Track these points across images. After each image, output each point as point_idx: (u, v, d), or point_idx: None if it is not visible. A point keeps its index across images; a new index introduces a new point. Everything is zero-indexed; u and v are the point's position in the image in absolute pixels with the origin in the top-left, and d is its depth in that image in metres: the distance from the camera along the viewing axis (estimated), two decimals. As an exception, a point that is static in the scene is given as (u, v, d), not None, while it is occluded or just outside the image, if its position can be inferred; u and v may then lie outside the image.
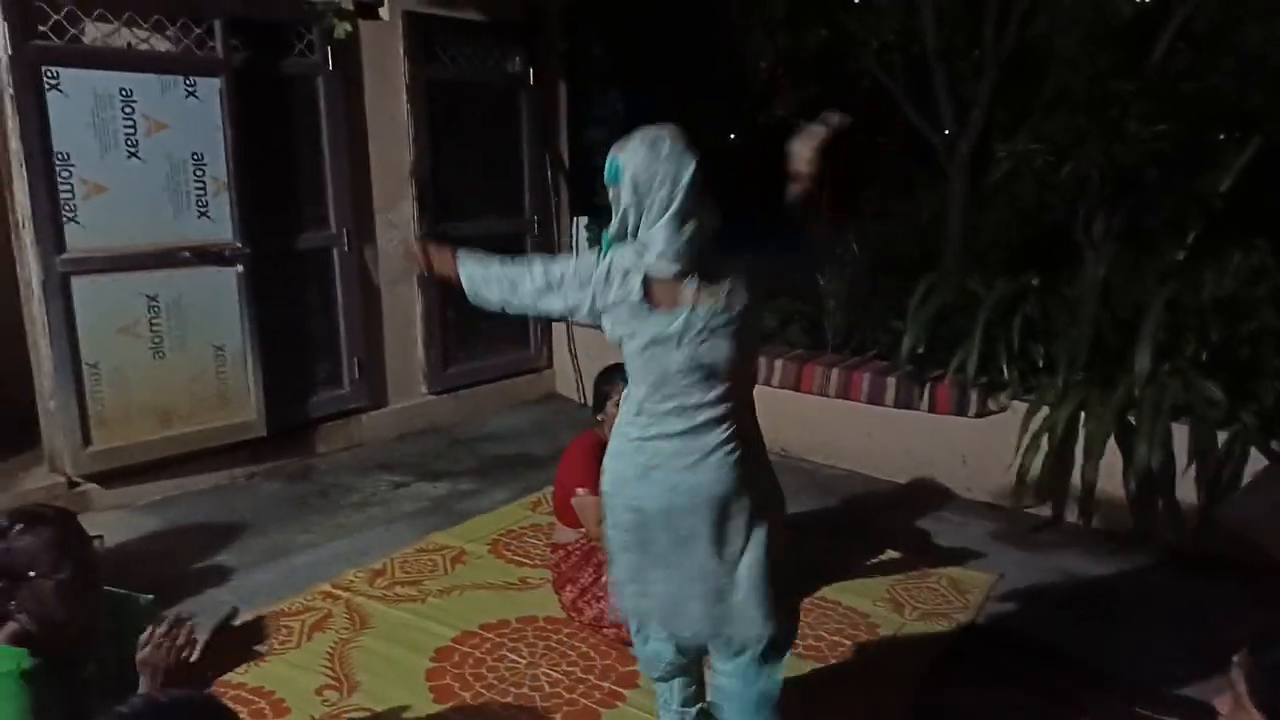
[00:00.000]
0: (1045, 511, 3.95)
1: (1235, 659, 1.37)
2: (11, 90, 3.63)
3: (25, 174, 3.69)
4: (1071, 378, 3.89)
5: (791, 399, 4.74)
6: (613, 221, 2.01)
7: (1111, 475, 3.72)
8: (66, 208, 3.80)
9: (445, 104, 5.20)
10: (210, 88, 4.11)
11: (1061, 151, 4.31)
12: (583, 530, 3.09)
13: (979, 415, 4.19)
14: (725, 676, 2.17)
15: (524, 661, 2.88)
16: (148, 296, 4.06)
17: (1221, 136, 4.58)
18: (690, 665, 2.29)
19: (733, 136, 6.62)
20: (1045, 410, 3.85)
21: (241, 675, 2.71)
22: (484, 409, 5.55)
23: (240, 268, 4.30)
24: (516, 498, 4.24)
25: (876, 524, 3.99)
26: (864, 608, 3.19)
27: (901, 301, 4.54)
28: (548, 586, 3.25)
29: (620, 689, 2.72)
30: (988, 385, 4.18)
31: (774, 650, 2.13)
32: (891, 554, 3.63)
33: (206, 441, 4.31)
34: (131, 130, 3.92)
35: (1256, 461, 3.51)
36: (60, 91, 3.73)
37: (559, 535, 3.21)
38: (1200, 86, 4.33)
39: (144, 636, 1.65)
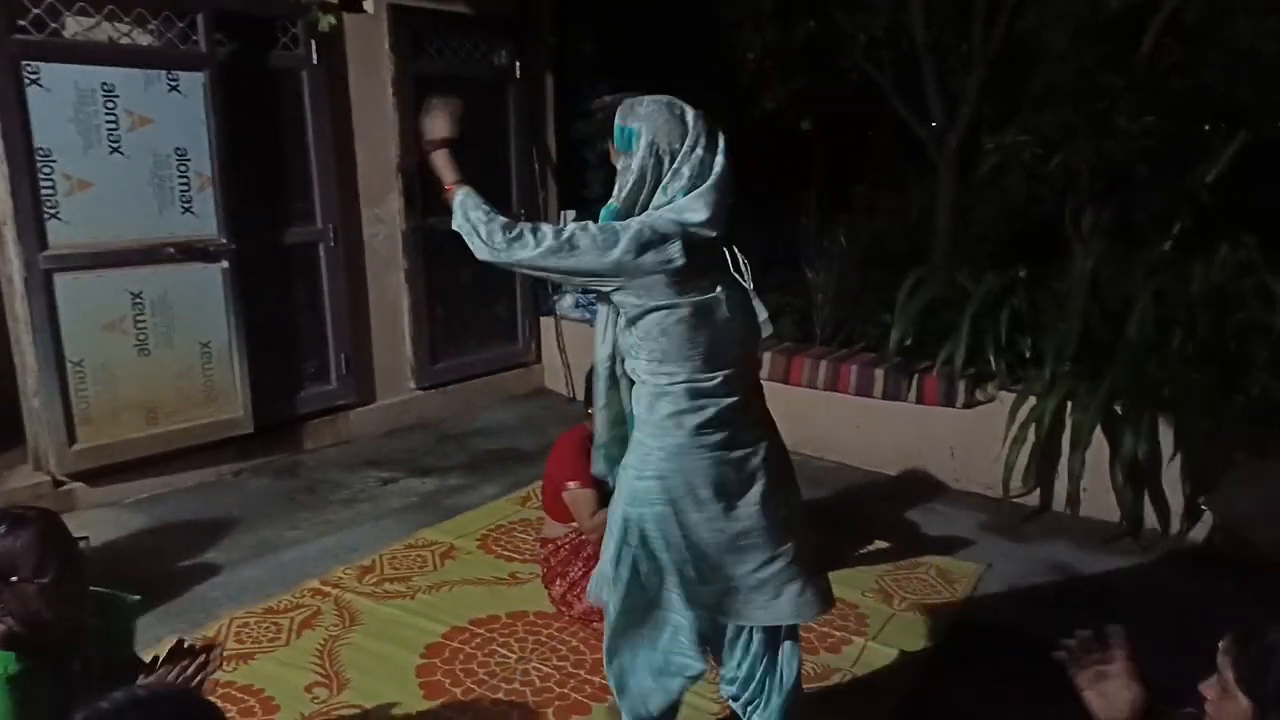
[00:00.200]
0: (1033, 502, 3.97)
1: (1222, 646, 1.37)
2: (-8, 85, 3.59)
3: (6, 170, 3.65)
4: (1059, 369, 3.91)
5: (780, 391, 4.73)
6: (620, 191, 1.91)
7: (1098, 466, 3.74)
8: (49, 204, 3.76)
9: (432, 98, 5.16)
10: (194, 82, 4.08)
11: (1050, 145, 4.33)
12: (572, 525, 3.08)
13: (967, 406, 4.20)
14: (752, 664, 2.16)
15: (514, 657, 2.87)
16: (132, 293, 4.03)
17: (1208, 128, 4.60)
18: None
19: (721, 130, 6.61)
20: (1033, 401, 3.87)
21: (230, 673, 2.71)
22: (472, 404, 5.54)
23: (225, 263, 4.27)
24: (505, 493, 4.23)
25: (865, 515, 4.00)
26: (853, 598, 3.20)
27: (890, 294, 4.56)
28: (537, 581, 3.24)
29: (611, 684, 2.71)
30: (975, 377, 4.20)
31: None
32: (880, 545, 3.64)
33: (193, 438, 4.29)
34: (114, 125, 3.88)
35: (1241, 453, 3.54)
36: (41, 86, 3.69)
37: (548, 530, 3.21)
38: (1188, 81, 4.35)
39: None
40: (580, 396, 3.29)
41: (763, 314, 2.01)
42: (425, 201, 5.16)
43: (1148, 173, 4.37)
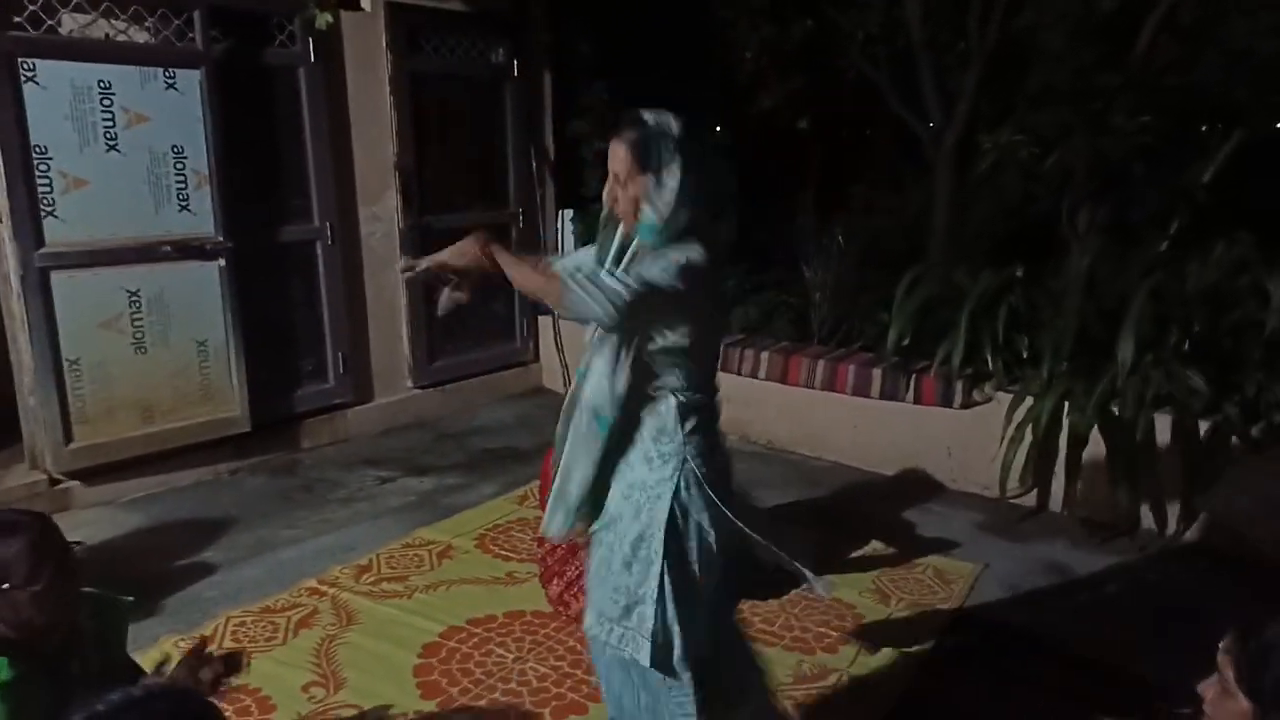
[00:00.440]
0: (1030, 502, 3.98)
1: (1222, 645, 1.36)
2: (-13, 82, 3.58)
3: (2, 167, 3.64)
4: (1056, 368, 3.91)
5: (778, 391, 4.75)
6: (670, 211, 1.85)
7: (1095, 466, 3.74)
8: (45, 202, 3.75)
9: (429, 96, 5.16)
10: (190, 80, 4.07)
11: (1047, 144, 4.33)
12: (570, 524, 3.08)
13: (964, 406, 4.20)
14: None
15: (512, 656, 2.87)
16: (129, 291, 4.02)
17: (1204, 128, 4.61)
18: None
19: (718, 129, 6.62)
20: (1029, 401, 3.87)
21: (227, 673, 2.70)
22: (470, 403, 5.53)
23: (222, 261, 4.26)
24: (503, 492, 4.23)
25: (862, 515, 4.00)
26: (850, 599, 3.20)
27: (888, 294, 4.56)
28: (535, 581, 3.24)
29: (608, 683, 2.71)
30: (973, 377, 4.20)
31: None
32: (877, 545, 3.64)
33: (190, 437, 4.28)
34: (111, 123, 3.87)
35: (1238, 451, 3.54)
36: (37, 84, 3.68)
37: (546, 529, 3.20)
38: (1184, 79, 4.35)
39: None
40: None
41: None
42: (422, 199, 5.16)
43: (1144, 171, 4.37)
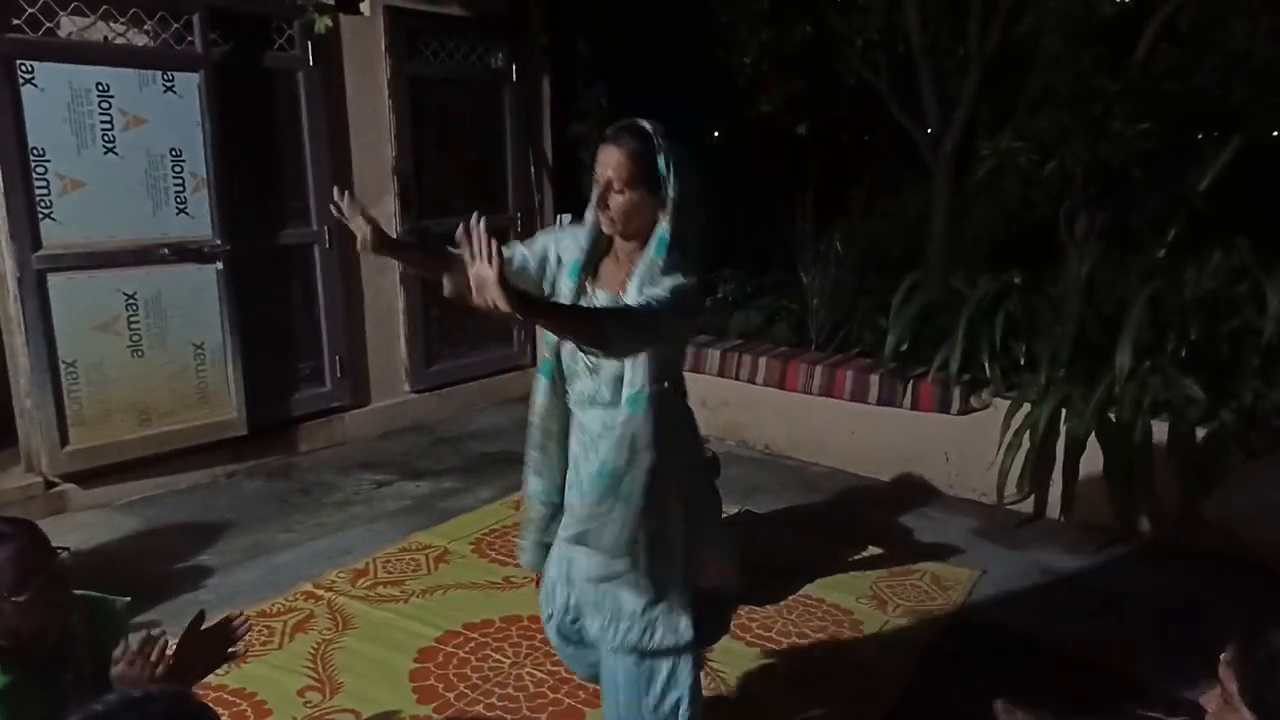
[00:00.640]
0: (1027, 508, 3.97)
1: (1223, 657, 1.33)
2: (-15, 84, 3.57)
3: (0, 169, 3.64)
4: (1054, 374, 3.91)
5: (776, 396, 4.75)
6: (680, 225, 1.89)
7: (1093, 471, 3.74)
8: (42, 204, 3.75)
9: (428, 100, 5.16)
10: (189, 83, 4.06)
11: (1046, 149, 4.33)
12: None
13: (962, 412, 4.20)
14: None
15: (508, 661, 2.86)
16: (126, 294, 4.02)
17: (1200, 136, 4.61)
18: None
19: (716, 134, 6.62)
20: (1027, 407, 3.87)
21: (222, 677, 2.68)
22: (467, 407, 5.53)
23: (220, 265, 4.26)
24: (500, 496, 4.22)
25: (860, 521, 3.99)
26: (847, 604, 3.19)
27: (886, 299, 4.55)
28: (531, 585, 3.23)
29: (605, 689, 2.70)
30: (970, 382, 4.19)
31: None
32: (874, 551, 3.64)
33: (186, 440, 4.27)
34: (109, 125, 3.87)
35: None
36: (35, 86, 3.68)
37: (543, 534, 3.20)
38: (1184, 85, 4.36)
39: (117, 653, 1.61)
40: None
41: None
42: (421, 203, 5.16)
43: (1143, 177, 4.37)
